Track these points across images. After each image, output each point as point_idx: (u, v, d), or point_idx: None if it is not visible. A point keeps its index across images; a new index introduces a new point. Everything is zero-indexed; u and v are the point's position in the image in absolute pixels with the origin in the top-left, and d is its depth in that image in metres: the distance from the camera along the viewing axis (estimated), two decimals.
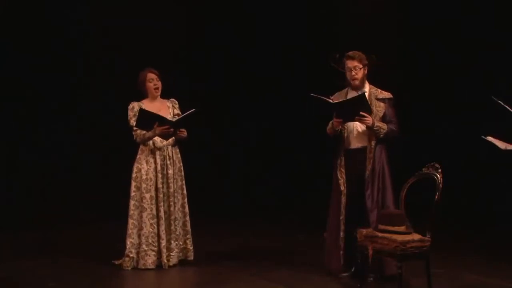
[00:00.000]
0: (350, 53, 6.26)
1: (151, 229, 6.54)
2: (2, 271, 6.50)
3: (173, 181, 6.62)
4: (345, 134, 6.28)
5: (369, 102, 6.18)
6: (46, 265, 6.79)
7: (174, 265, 6.62)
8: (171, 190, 6.60)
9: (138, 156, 6.64)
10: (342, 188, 6.26)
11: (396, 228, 5.54)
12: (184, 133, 6.55)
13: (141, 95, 6.73)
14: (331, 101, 6.05)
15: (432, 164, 5.75)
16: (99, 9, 8.92)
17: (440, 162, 5.74)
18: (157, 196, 6.55)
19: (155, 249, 6.54)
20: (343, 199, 6.24)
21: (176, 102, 6.78)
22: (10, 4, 8.70)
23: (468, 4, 8.90)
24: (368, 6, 9.51)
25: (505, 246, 7.59)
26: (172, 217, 6.61)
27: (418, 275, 5.86)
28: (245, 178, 10.06)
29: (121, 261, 6.62)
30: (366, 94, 6.24)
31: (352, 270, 6.17)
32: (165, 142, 6.59)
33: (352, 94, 6.26)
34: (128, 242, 6.57)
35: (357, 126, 6.23)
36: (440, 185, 5.60)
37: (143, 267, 6.52)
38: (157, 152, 6.59)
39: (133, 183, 6.60)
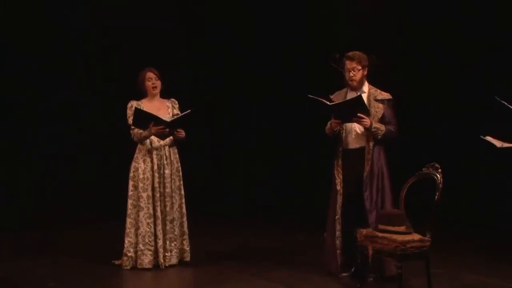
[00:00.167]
0: (350, 53, 6.26)
1: (147, 229, 6.55)
2: (2, 271, 6.50)
3: (171, 181, 6.63)
4: (344, 135, 6.29)
5: (367, 103, 6.19)
6: (46, 265, 6.79)
7: (173, 266, 6.62)
8: (168, 190, 6.60)
9: (135, 155, 6.66)
10: (338, 187, 6.27)
11: (396, 228, 5.54)
12: (181, 133, 6.56)
13: (142, 94, 6.74)
14: (328, 103, 6.05)
15: (432, 164, 5.76)
16: (99, 9, 8.91)
17: (440, 162, 5.74)
18: (153, 196, 6.56)
19: (152, 248, 6.55)
20: (339, 199, 6.25)
21: (176, 102, 6.78)
22: (10, 4, 8.70)
23: (468, 4, 8.89)
24: (368, 6, 9.51)
25: (505, 246, 7.59)
26: (169, 217, 6.61)
27: (418, 275, 5.86)
28: (245, 178, 10.06)
29: (120, 261, 6.63)
30: (365, 94, 6.25)
31: (352, 270, 6.17)
32: (162, 142, 6.60)
33: (351, 94, 6.26)
34: (126, 241, 6.58)
35: (356, 127, 6.23)
36: (440, 185, 5.60)
37: (139, 267, 6.53)
38: (154, 152, 6.60)
39: (131, 182, 6.62)
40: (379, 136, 6.16)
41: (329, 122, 6.26)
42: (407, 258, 5.46)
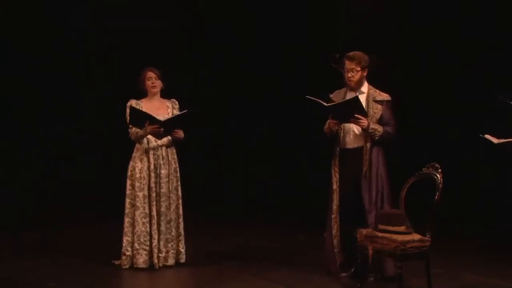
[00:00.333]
0: (351, 53, 6.25)
1: (143, 228, 6.55)
2: (2, 271, 6.49)
3: (168, 182, 6.62)
4: (342, 134, 6.29)
5: (366, 104, 6.20)
6: (46, 265, 6.78)
7: (170, 266, 6.60)
8: (163, 190, 6.60)
9: (133, 155, 6.68)
10: (335, 187, 6.28)
11: (396, 228, 5.54)
12: (179, 133, 6.57)
13: (143, 94, 6.75)
14: (325, 104, 6.04)
15: (432, 164, 5.76)
16: (99, 9, 8.91)
17: (440, 162, 5.74)
18: (149, 195, 6.56)
19: (147, 248, 6.55)
20: (336, 198, 6.26)
21: (177, 102, 6.78)
22: (10, 4, 8.70)
23: (468, 4, 8.89)
24: (368, 6, 9.50)
25: (505, 246, 7.59)
26: (167, 218, 6.60)
27: (418, 275, 5.86)
28: (245, 178, 10.05)
29: (120, 261, 6.64)
30: (364, 95, 6.25)
31: (352, 270, 6.17)
32: (159, 142, 6.60)
33: (350, 94, 6.26)
34: (125, 241, 6.59)
35: (354, 127, 6.23)
36: (440, 185, 5.60)
37: (135, 266, 6.54)
38: (151, 152, 6.60)
39: (128, 181, 6.63)
40: (376, 137, 6.16)
41: (327, 121, 6.27)
42: (407, 258, 5.46)
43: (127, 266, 6.58)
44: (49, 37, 8.81)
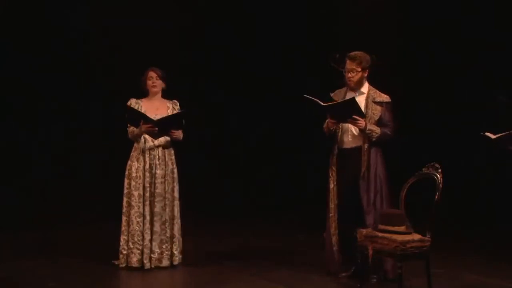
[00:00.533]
0: (352, 53, 6.24)
1: (137, 227, 6.56)
2: (2, 271, 6.49)
3: (165, 182, 6.61)
4: (340, 134, 6.29)
5: (365, 104, 6.20)
6: (46, 265, 6.78)
7: (164, 268, 6.57)
8: (158, 190, 6.59)
9: (131, 154, 6.70)
10: (332, 186, 6.28)
11: (396, 228, 5.54)
12: (175, 134, 6.58)
13: (145, 93, 6.76)
14: (322, 103, 6.04)
15: (432, 164, 5.76)
16: (99, 9, 8.91)
17: (440, 162, 5.74)
18: (144, 195, 6.57)
19: (140, 247, 6.55)
20: (333, 198, 6.26)
21: (177, 103, 6.78)
22: (10, 4, 8.70)
23: (468, 4, 8.90)
24: (368, 6, 9.51)
25: (505, 246, 7.59)
26: (162, 219, 6.58)
27: (418, 275, 5.86)
28: (245, 178, 10.05)
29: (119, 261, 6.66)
30: (364, 95, 6.26)
31: (352, 270, 6.17)
32: (156, 142, 6.61)
33: (350, 94, 6.26)
34: (122, 239, 6.61)
35: (352, 127, 6.24)
36: (440, 185, 5.60)
37: (129, 265, 6.55)
38: (147, 151, 6.61)
39: (126, 181, 6.65)
40: (374, 139, 6.16)
41: (326, 121, 6.27)
42: (407, 258, 5.46)
43: (123, 265, 6.59)
44: (49, 37, 8.80)
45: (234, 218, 9.17)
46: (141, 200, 6.57)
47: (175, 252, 6.65)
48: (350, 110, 6.05)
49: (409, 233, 5.55)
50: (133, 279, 6.41)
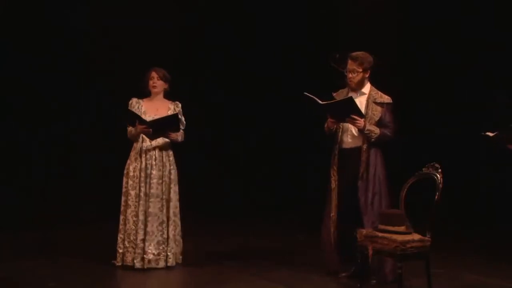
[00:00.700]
0: (354, 54, 6.23)
1: (133, 226, 6.57)
2: (2, 271, 6.49)
3: (162, 183, 6.61)
4: (340, 134, 6.29)
5: (366, 105, 6.20)
6: (46, 265, 6.78)
7: (161, 269, 6.56)
8: (153, 191, 6.58)
9: (130, 153, 6.72)
10: (333, 186, 6.28)
11: (396, 228, 5.54)
12: (172, 136, 6.58)
13: (148, 93, 6.76)
14: (320, 101, 6.03)
15: (432, 164, 5.76)
16: (99, 9, 8.91)
17: (440, 162, 5.74)
18: (139, 195, 6.57)
19: (135, 246, 6.56)
20: (334, 198, 6.25)
21: (179, 105, 6.77)
22: (10, 4, 8.69)
23: (468, 4, 8.90)
24: (368, 6, 9.51)
25: (505, 246, 7.60)
26: (156, 219, 6.57)
27: (418, 275, 5.86)
28: (245, 178, 10.05)
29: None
30: (365, 96, 6.25)
31: (352, 270, 6.17)
32: (153, 143, 6.61)
33: (351, 94, 6.26)
34: (119, 238, 6.63)
35: (352, 127, 6.24)
36: (440, 185, 5.60)
37: (124, 264, 6.56)
38: (144, 152, 6.62)
39: (124, 180, 6.68)
40: (373, 139, 6.16)
41: (327, 121, 6.27)
42: (407, 258, 5.45)
43: (119, 264, 6.60)
44: (49, 37, 8.80)
45: (234, 218, 9.17)
46: (137, 199, 6.58)
47: (168, 253, 6.62)
48: (349, 109, 6.04)
49: (409, 233, 5.55)
50: (132, 279, 6.41)
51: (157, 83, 6.71)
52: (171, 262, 6.62)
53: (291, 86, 9.49)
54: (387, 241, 5.47)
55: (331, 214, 6.28)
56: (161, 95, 6.77)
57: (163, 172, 6.63)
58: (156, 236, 6.57)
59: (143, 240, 6.54)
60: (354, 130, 6.23)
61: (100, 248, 7.22)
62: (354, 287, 5.91)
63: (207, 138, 9.56)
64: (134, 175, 6.62)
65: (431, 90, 9.30)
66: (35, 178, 8.88)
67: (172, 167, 6.69)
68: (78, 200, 8.80)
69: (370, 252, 5.58)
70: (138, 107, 6.66)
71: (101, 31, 9.05)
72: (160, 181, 6.61)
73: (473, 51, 8.92)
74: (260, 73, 9.89)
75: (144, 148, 6.63)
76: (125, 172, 6.69)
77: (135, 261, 6.54)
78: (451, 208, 7.17)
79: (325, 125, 6.32)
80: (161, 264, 6.59)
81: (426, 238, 5.55)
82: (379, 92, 6.29)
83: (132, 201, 6.59)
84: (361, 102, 6.22)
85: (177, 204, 6.71)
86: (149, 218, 6.56)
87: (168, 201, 6.65)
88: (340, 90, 6.40)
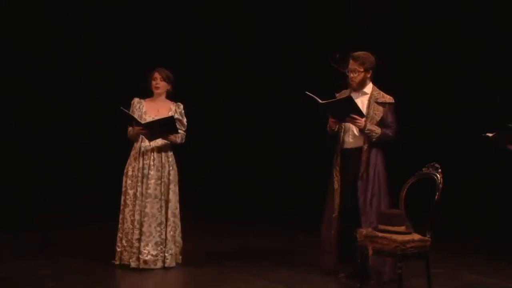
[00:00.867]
0: (355, 53, 6.23)
1: (131, 226, 6.58)
2: (2, 271, 6.49)
3: (160, 184, 6.60)
4: (342, 134, 6.28)
5: (367, 105, 6.19)
6: (46, 265, 6.78)
7: (158, 270, 6.56)
8: (150, 191, 6.58)
9: (131, 153, 6.73)
10: (336, 186, 6.27)
11: (396, 228, 5.54)
12: (171, 138, 6.58)
13: (150, 93, 6.77)
14: (319, 100, 6.03)
15: (432, 164, 5.76)
16: (99, 9, 8.91)
17: (440, 162, 5.74)
18: (135, 194, 6.58)
19: (132, 246, 6.57)
20: (337, 198, 6.25)
21: (181, 106, 6.76)
22: (10, 4, 8.69)
23: (468, 4, 8.90)
24: (368, 6, 9.51)
25: (505, 246, 7.60)
26: (154, 220, 6.56)
27: (418, 275, 5.86)
28: (245, 178, 10.05)
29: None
30: (367, 96, 6.24)
31: (352, 270, 6.16)
32: (152, 143, 6.61)
33: (354, 94, 6.25)
34: (118, 237, 6.64)
35: (353, 127, 6.23)
36: (440, 185, 5.60)
37: (122, 262, 6.58)
38: (143, 152, 6.63)
39: (124, 179, 6.70)
40: (374, 139, 6.15)
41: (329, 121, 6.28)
42: (407, 258, 5.45)
43: (117, 262, 6.62)
44: (49, 37, 8.80)
45: (234, 218, 9.17)
46: (135, 199, 6.59)
47: (166, 254, 6.61)
48: (348, 109, 6.04)
49: (409, 233, 5.55)
50: (132, 279, 6.41)
51: (159, 84, 6.71)
52: (168, 263, 6.61)
53: (291, 86, 9.49)
54: (387, 241, 5.47)
55: (333, 215, 6.26)
56: (164, 96, 6.77)
57: (162, 172, 6.63)
58: (154, 237, 6.57)
59: (139, 240, 6.54)
60: (355, 130, 6.22)
61: (100, 248, 7.22)
62: (354, 287, 5.91)
63: (207, 138, 9.56)
64: (133, 174, 6.63)
65: (431, 90, 9.29)
66: (35, 178, 8.87)
67: (171, 167, 6.69)
68: (78, 200, 8.80)
69: (370, 252, 5.58)
70: (139, 107, 6.67)
71: (101, 31, 9.05)
72: (159, 181, 6.61)
73: (473, 51, 8.92)
74: (260, 73, 9.90)
75: (142, 149, 6.63)
76: (125, 171, 6.71)
77: (130, 260, 6.55)
78: (451, 208, 7.17)
79: (328, 125, 6.31)
80: (159, 264, 6.58)
81: (426, 238, 5.55)
82: (381, 92, 6.28)
83: (130, 201, 6.61)
84: (363, 102, 6.22)
85: (177, 205, 6.70)
86: (145, 219, 6.55)
87: (167, 202, 6.64)
88: (343, 91, 6.39)
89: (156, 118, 6.51)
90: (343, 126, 6.27)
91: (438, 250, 5.90)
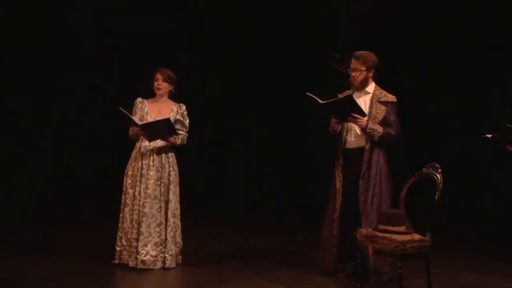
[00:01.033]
0: (357, 53, 6.22)
1: (130, 225, 6.59)
2: (2, 271, 6.49)
3: (160, 185, 6.60)
4: (344, 134, 6.27)
5: (370, 104, 6.18)
6: (46, 265, 6.78)
7: (157, 270, 6.56)
8: (149, 191, 6.57)
9: (132, 153, 6.74)
10: (338, 186, 6.26)
11: (396, 228, 5.54)
12: (171, 139, 6.58)
13: (152, 93, 6.78)
14: (320, 100, 6.02)
15: (432, 164, 5.76)
16: (99, 9, 8.91)
17: (440, 162, 5.74)
18: (134, 194, 6.59)
19: (130, 245, 6.57)
20: (339, 198, 6.24)
21: (183, 107, 6.75)
22: (10, 4, 8.69)
23: (468, 4, 8.90)
24: (368, 6, 9.51)
25: (505, 246, 7.60)
26: (153, 220, 6.56)
27: (418, 275, 5.86)
28: (245, 178, 10.06)
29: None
30: (369, 95, 6.23)
31: (352, 270, 6.16)
32: (152, 144, 6.62)
33: (356, 94, 6.25)
34: (117, 236, 6.65)
35: (355, 127, 6.22)
36: (440, 185, 5.60)
37: (121, 261, 6.58)
38: (144, 152, 6.63)
39: (125, 178, 6.71)
40: (376, 138, 6.14)
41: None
42: (407, 258, 5.45)
43: (116, 261, 6.62)
44: (49, 37, 8.80)
45: (234, 218, 9.17)
46: (133, 198, 6.60)
47: (166, 255, 6.61)
48: (349, 108, 6.03)
49: (409, 233, 5.55)
50: (132, 279, 6.41)
51: (161, 85, 6.70)
52: (168, 263, 6.61)
53: (291, 86, 9.51)
54: (387, 241, 5.47)
55: (335, 215, 6.25)
56: (166, 97, 6.76)
57: (162, 173, 6.62)
58: (153, 237, 6.56)
59: (137, 240, 6.54)
60: (357, 130, 6.21)
61: (100, 248, 7.22)
62: (354, 287, 5.91)
63: (207, 138, 9.56)
64: (132, 174, 6.64)
65: (431, 90, 9.29)
66: (35, 178, 8.87)
67: (171, 168, 6.68)
68: (78, 200, 8.80)
69: (370, 252, 5.58)
70: (141, 107, 6.68)
71: (101, 31, 9.04)
72: (158, 182, 6.60)
73: (473, 51, 8.92)
74: (260, 73, 9.90)
75: (142, 149, 6.64)
76: (126, 171, 6.72)
77: (129, 259, 6.55)
78: (451, 208, 7.16)
79: (330, 126, 6.30)
80: (158, 265, 6.58)
81: (426, 238, 5.55)
82: (384, 91, 6.27)
83: (130, 200, 6.62)
84: (365, 101, 6.21)
85: (177, 206, 6.70)
86: (144, 219, 6.55)
87: (167, 202, 6.64)
88: (346, 91, 6.38)
89: (158, 118, 6.51)
90: (345, 126, 6.26)
91: (438, 250, 5.90)
